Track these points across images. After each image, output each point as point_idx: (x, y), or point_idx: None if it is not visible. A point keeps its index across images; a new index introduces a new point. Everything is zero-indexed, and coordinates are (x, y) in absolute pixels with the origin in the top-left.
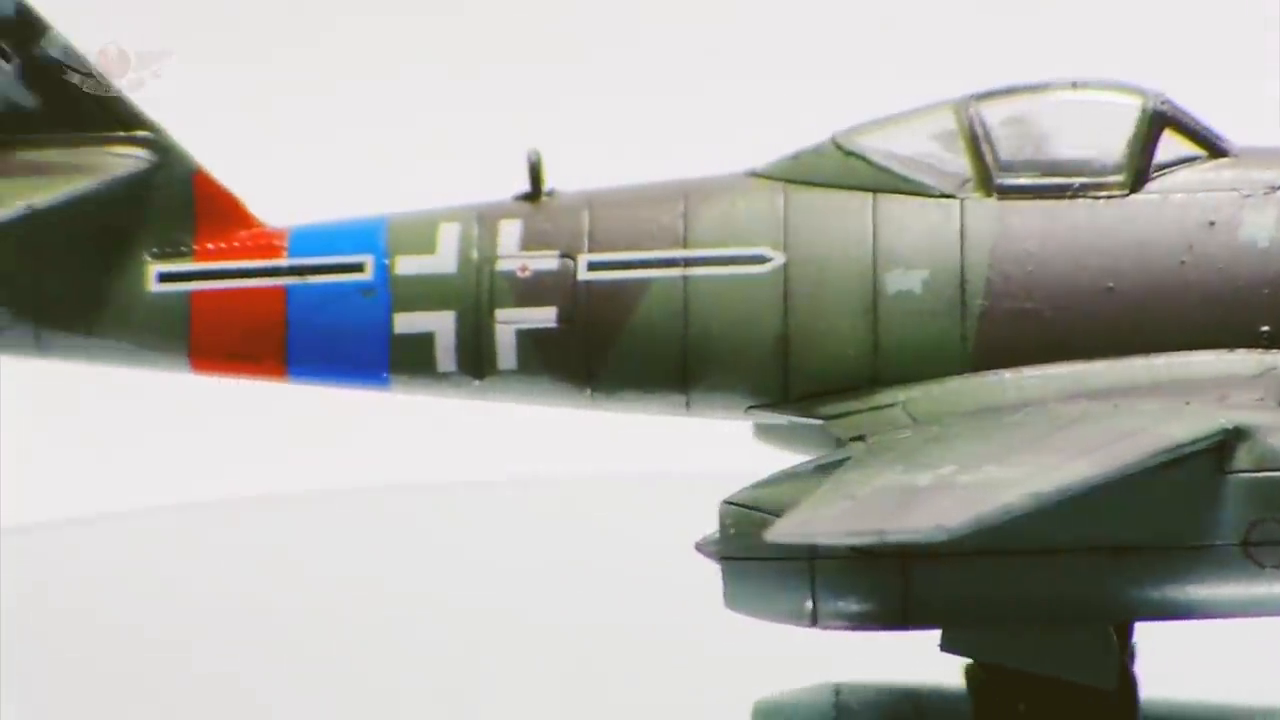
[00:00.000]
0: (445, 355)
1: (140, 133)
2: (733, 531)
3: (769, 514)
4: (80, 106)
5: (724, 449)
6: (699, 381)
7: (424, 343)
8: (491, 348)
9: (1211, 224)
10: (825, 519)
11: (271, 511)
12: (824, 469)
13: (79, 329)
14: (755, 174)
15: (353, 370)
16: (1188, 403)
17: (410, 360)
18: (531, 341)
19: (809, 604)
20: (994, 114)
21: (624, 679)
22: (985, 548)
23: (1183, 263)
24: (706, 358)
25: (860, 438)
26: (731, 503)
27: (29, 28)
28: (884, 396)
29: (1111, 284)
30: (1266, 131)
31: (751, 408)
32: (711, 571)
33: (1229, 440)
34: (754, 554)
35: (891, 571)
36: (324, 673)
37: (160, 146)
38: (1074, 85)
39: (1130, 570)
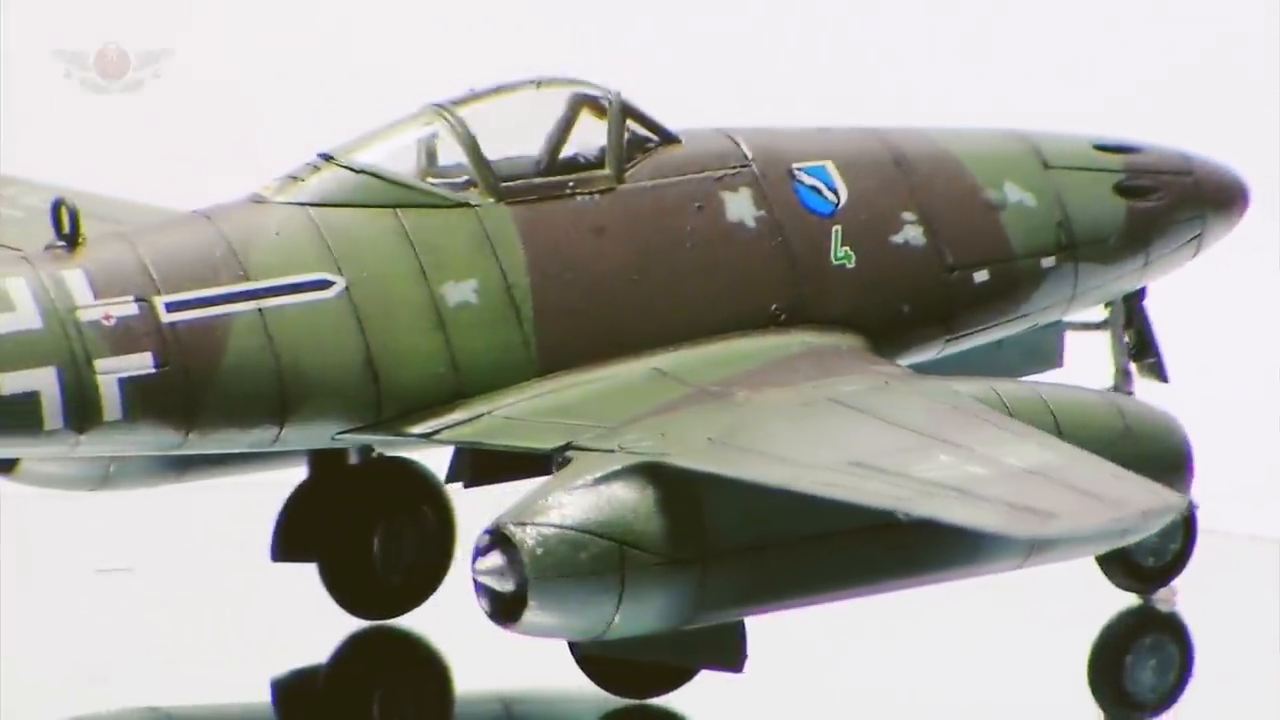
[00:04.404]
0: (53, 412)
1: None
2: (540, 552)
3: (582, 531)
4: None
5: None
6: (297, 412)
7: (30, 402)
8: (96, 400)
9: (700, 208)
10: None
11: None
12: (609, 479)
13: None
14: (263, 200)
15: None
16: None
17: (16, 421)
18: (135, 390)
19: (612, 615)
20: (474, 118)
21: None
22: (761, 541)
23: (689, 247)
24: (303, 388)
25: (569, 446)
26: (525, 523)
27: None
28: (475, 408)
29: (635, 276)
30: None
31: (341, 434)
32: None
33: None
34: (568, 572)
35: (691, 576)
36: None
37: None
38: (538, 84)
39: (889, 541)
